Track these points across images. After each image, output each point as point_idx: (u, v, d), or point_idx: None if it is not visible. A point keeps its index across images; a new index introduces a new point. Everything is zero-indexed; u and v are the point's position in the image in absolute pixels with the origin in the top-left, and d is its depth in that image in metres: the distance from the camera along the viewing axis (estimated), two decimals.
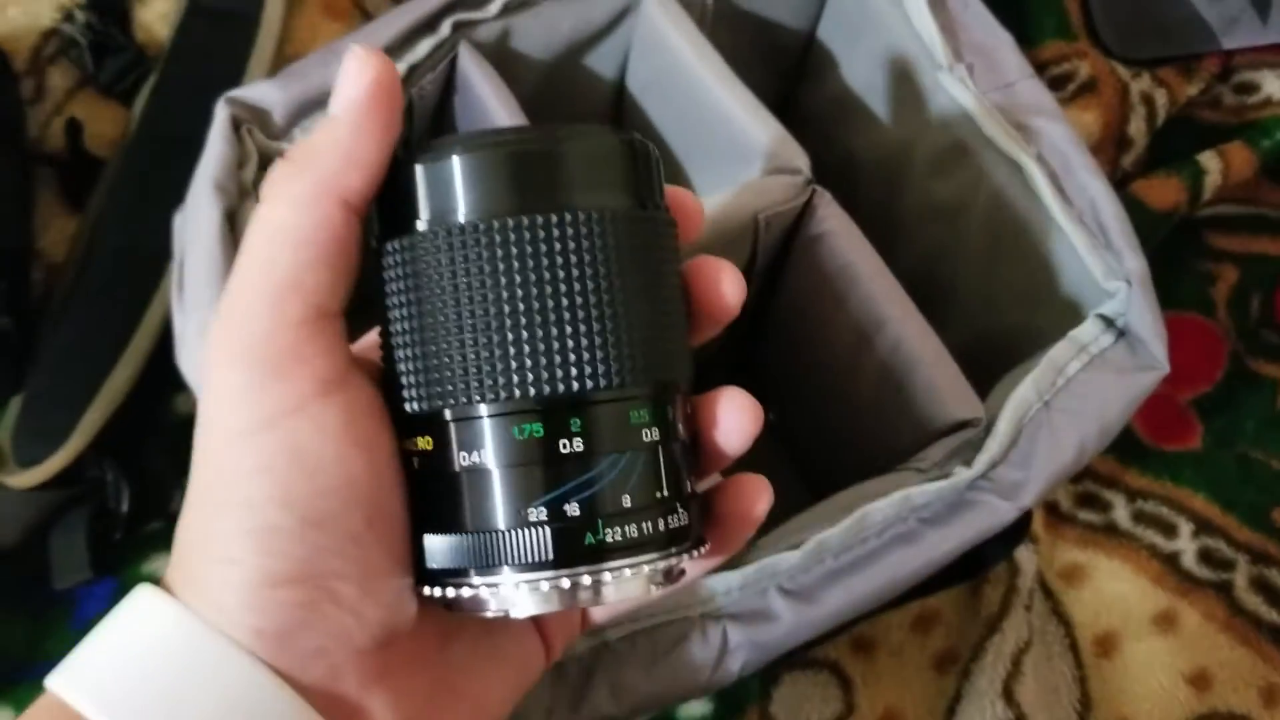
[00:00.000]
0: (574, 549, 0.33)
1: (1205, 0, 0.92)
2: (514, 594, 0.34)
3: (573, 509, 0.33)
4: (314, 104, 0.60)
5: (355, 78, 0.34)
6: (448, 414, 0.34)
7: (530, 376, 0.33)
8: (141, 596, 0.34)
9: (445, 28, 0.64)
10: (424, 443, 0.35)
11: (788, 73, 0.78)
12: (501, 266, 0.33)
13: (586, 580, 0.33)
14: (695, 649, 0.54)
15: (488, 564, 0.33)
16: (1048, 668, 0.74)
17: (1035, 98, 0.66)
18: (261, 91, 0.60)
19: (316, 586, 0.33)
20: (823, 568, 0.56)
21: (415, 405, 0.34)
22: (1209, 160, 0.85)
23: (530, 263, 0.33)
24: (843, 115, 0.74)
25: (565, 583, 0.33)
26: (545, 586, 0.33)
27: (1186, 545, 0.78)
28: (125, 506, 0.70)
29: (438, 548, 0.35)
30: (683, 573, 0.37)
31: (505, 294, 0.33)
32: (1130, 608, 0.77)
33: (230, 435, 0.33)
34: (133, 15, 0.85)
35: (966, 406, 0.59)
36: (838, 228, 0.63)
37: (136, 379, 0.70)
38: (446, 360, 0.33)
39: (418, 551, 0.35)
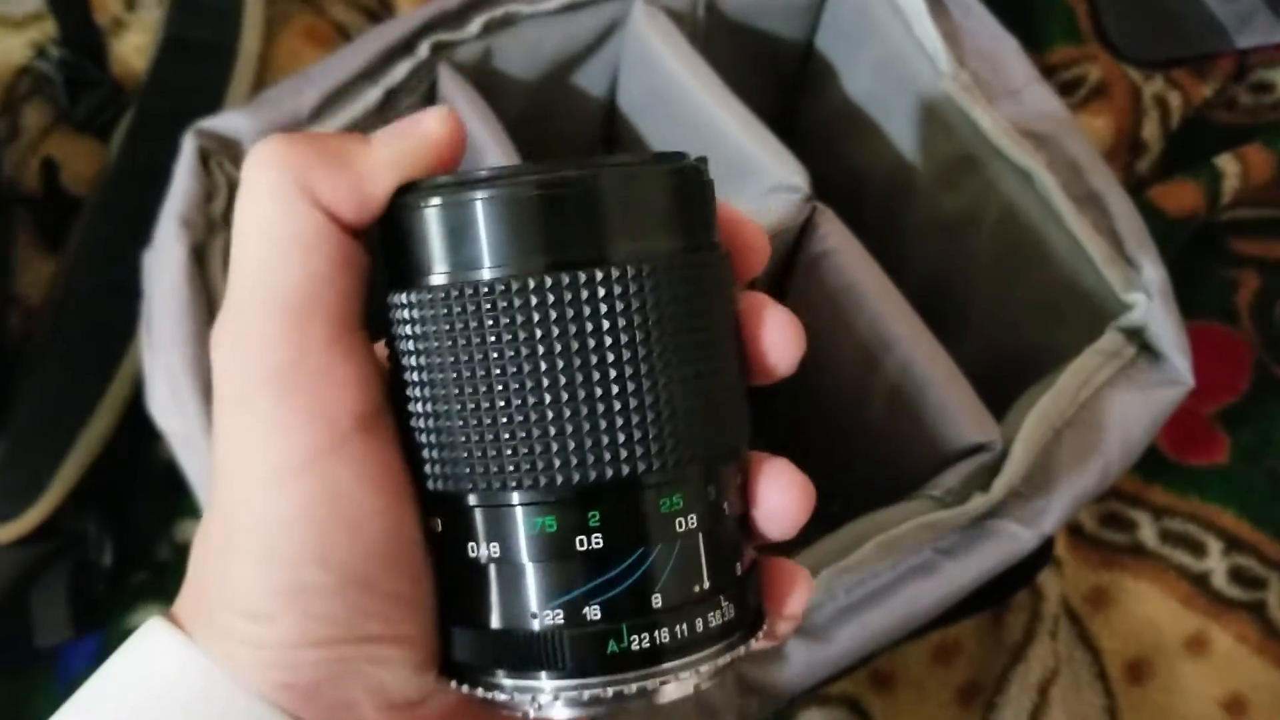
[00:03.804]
0: (595, 657, 0.30)
1: None
2: (547, 702, 0.30)
3: (592, 612, 0.29)
4: (287, 131, 0.58)
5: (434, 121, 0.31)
6: (463, 500, 0.30)
7: (542, 464, 0.29)
8: (155, 635, 0.31)
9: (424, 49, 0.62)
10: (439, 524, 0.31)
11: (786, 86, 0.77)
12: (523, 335, 0.28)
13: (608, 693, 0.30)
14: (702, 694, 0.52)
15: (513, 665, 0.30)
16: (1076, 697, 0.72)
17: (1043, 103, 0.64)
18: (232, 121, 0.58)
19: (356, 647, 0.30)
20: (835, 604, 0.54)
21: (434, 484, 0.31)
22: (1226, 163, 0.83)
23: (571, 327, 0.29)
24: (844, 129, 0.72)
25: (586, 695, 0.30)
26: (567, 696, 0.30)
27: (1216, 564, 0.76)
28: (108, 559, 0.69)
29: (460, 639, 0.31)
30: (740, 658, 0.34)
31: (530, 366, 0.29)
32: (1160, 631, 0.75)
33: (260, 478, 0.29)
34: (108, 49, 0.84)
35: (981, 429, 0.57)
36: (841, 245, 0.61)
37: (115, 427, 0.69)
38: (463, 440, 0.30)
39: (444, 640, 0.32)
